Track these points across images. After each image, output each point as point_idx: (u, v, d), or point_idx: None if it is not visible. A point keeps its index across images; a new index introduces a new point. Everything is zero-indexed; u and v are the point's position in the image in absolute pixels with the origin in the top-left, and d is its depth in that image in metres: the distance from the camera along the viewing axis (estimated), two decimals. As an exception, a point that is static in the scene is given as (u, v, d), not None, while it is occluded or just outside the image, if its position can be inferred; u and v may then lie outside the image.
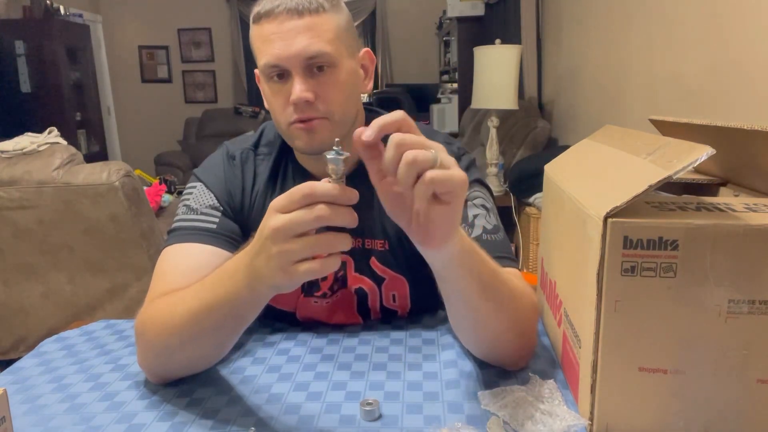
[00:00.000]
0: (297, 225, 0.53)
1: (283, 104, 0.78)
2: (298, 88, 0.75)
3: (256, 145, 0.91)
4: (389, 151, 0.51)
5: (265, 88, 0.80)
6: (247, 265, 0.58)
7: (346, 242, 0.54)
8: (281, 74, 0.76)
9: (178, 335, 0.67)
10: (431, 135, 0.91)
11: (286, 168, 0.89)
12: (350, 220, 0.53)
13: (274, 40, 0.75)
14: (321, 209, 0.52)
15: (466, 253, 0.61)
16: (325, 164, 0.53)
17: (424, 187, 0.50)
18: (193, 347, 0.69)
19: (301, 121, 0.77)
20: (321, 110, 0.77)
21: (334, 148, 0.53)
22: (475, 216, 0.82)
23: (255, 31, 0.78)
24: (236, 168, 0.89)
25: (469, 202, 0.83)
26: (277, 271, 0.55)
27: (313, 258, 0.54)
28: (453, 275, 0.62)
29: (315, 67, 0.76)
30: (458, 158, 0.88)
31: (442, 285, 0.65)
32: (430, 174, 0.50)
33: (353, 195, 0.53)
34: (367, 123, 0.89)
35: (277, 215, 0.54)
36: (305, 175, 0.87)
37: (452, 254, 0.59)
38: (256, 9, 0.77)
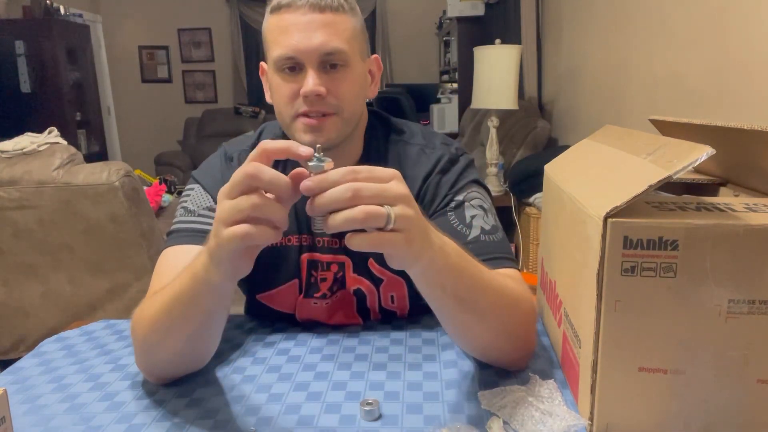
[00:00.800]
0: (236, 212, 0.53)
1: (290, 95, 0.78)
2: (312, 82, 0.75)
3: (255, 146, 0.91)
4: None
5: (273, 78, 0.80)
6: (201, 250, 0.60)
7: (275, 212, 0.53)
8: (293, 67, 0.77)
9: (154, 331, 0.67)
10: (430, 135, 0.91)
11: (285, 168, 0.89)
12: (278, 217, 0.52)
13: (293, 32, 0.75)
14: (256, 199, 0.52)
15: (436, 273, 0.59)
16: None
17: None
18: (167, 341, 0.69)
19: (309, 116, 0.77)
20: (331, 104, 0.77)
21: (316, 155, 0.52)
22: (472, 217, 0.82)
23: (272, 22, 0.78)
24: (234, 169, 0.88)
25: (466, 203, 0.83)
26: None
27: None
28: (424, 291, 0.62)
29: (329, 63, 0.76)
30: (456, 159, 0.88)
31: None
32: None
33: (286, 185, 0.53)
34: (369, 124, 0.90)
35: (222, 202, 0.54)
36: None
37: (418, 274, 0.58)
38: (276, 0, 0.77)
